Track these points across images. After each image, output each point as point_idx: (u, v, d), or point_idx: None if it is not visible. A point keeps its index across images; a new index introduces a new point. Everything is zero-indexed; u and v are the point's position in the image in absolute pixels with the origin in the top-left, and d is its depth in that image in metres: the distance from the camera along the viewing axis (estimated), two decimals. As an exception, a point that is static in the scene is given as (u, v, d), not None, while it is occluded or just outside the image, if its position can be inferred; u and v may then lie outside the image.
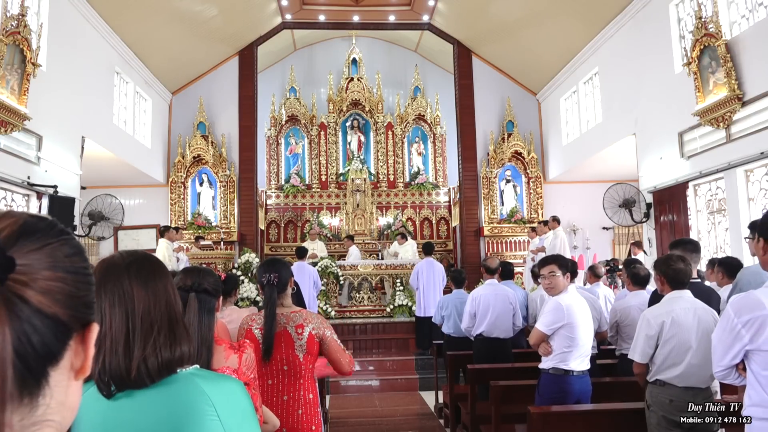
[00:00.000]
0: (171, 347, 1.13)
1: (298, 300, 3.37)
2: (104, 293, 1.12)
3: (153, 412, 1.08)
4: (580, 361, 3.58)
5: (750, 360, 2.11)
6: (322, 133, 13.65)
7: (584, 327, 3.59)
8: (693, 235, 7.70)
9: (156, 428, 1.07)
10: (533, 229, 10.29)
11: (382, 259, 11.18)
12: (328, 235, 12.88)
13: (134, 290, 1.13)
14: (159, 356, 1.11)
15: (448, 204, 13.66)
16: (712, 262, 4.85)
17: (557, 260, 3.74)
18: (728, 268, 4.45)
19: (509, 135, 12.27)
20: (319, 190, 13.51)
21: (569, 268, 3.71)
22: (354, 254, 11.15)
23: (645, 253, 8.99)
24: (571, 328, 3.55)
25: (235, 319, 3.03)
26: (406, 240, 11.19)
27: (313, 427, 2.49)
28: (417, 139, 14.08)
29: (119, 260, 1.17)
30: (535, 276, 5.52)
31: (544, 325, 3.62)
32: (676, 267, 3.11)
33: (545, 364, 3.66)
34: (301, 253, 8.94)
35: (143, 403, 1.09)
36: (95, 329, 0.70)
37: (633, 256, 9.05)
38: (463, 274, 6.51)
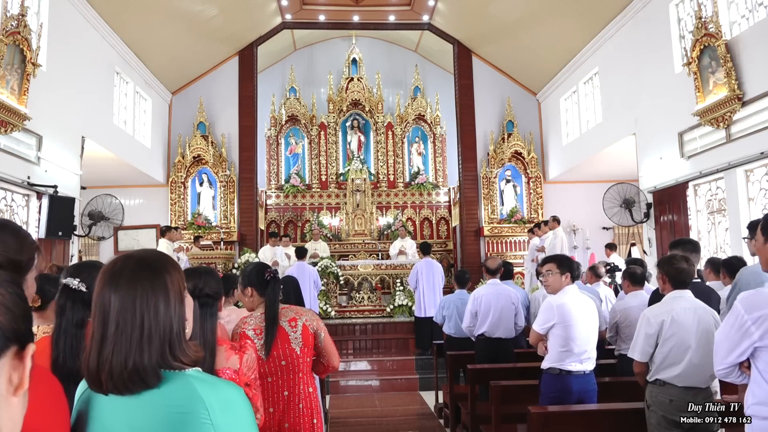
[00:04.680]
0: (179, 349, 1.15)
1: (298, 300, 3.37)
2: (115, 291, 1.13)
3: (148, 409, 1.09)
4: (578, 362, 3.56)
5: (756, 358, 2.09)
6: (322, 133, 13.64)
7: (582, 327, 3.56)
8: (693, 235, 7.69)
9: (151, 426, 1.07)
10: (530, 230, 10.29)
11: (389, 258, 11.19)
12: (328, 235, 12.88)
13: (147, 293, 1.14)
14: (168, 355, 1.12)
15: (448, 204, 13.66)
16: (712, 263, 4.82)
17: (557, 259, 3.75)
18: (729, 267, 4.45)
19: (509, 135, 12.26)
20: (319, 190, 13.50)
21: (570, 268, 3.70)
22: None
23: (626, 254, 9.11)
24: (563, 327, 3.55)
25: (234, 319, 3.03)
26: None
27: (315, 420, 2.50)
28: (417, 139, 14.07)
29: (131, 262, 1.18)
30: (539, 274, 5.54)
31: (538, 325, 3.69)
32: (678, 266, 3.11)
33: (544, 363, 3.68)
34: (301, 253, 8.94)
35: (139, 401, 1.10)
36: (31, 351, 0.80)
37: (607, 258, 9.27)
38: (467, 275, 6.49)
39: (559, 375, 3.57)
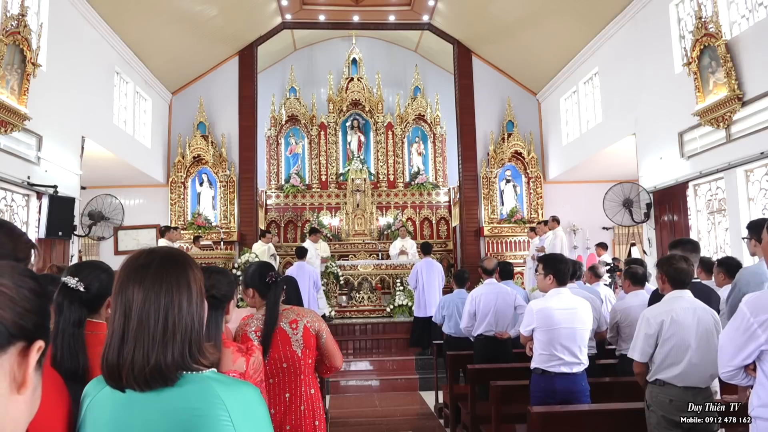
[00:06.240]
0: (198, 349, 1.14)
1: (297, 300, 3.36)
2: (139, 285, 1.12)
3: (166, 411, 1.07)
4: (562, 364, 3.56)
5: (763, 360, 2.08)
6: (322, 133, 13.64)
7: (566, 331, 3.56)
8: (693, 235, 7.69)
9: (168, 428, 1.06)
10: (532, 229, 10.31)
11: (389, 258, 11.18)
12: (328, 235, 12.88)
13: (172, 288, 1.13)
14: (187, 355, 1.11)
15: (448, 204, 13.66)
16: (702, 262, 4.79)
17: (542, 260, 3.78)
18: (728, 268, 4.44)
19: (509, 135, 12.26)
20: (319, 190, 13.50)
21: (553, 269, 3.68)
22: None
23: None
24: (544, 332, 3.58)
25: (234, 318, 3.02)
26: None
27: (316, 422, 2.49)
28: (417, 139, 14.07)
29: (157, 256, 1.18)
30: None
31: (522, 327, 3.79)
32: (678, 266, 3.11)
33: (531, 364, 3.73)
34: (301, 253, 8.93)
35: (157, 402, 1.08)
36: (37, 347, 0.77)
37: (598, 257, 9.28)
38: (467, 274, 6.50)
39: (543, 375, 3.61)
